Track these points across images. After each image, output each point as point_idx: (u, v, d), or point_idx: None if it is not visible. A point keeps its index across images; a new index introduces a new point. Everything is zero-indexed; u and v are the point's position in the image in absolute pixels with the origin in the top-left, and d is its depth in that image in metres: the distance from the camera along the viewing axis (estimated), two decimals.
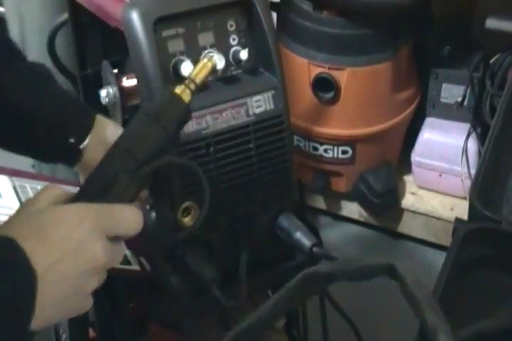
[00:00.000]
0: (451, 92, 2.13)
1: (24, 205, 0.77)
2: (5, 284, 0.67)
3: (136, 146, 0.80)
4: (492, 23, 1.97)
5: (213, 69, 0.90)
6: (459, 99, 2.12)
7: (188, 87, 0.86)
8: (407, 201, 2.24)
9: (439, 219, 2.19)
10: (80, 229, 0.73)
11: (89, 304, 0.75)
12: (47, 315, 0.71)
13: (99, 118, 1.12)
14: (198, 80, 0.87)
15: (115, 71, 1.33)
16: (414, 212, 2.23)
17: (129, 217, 0.77)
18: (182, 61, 1.15)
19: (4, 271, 0.68)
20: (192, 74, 0.88)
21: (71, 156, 1.07)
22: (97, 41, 1.45)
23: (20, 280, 0.68)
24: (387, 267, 0.84)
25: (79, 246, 0.72)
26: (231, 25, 1.21)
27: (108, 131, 1.09)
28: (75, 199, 0.78)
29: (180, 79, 1.16)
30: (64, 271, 0.71)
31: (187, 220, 1.21)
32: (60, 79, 1.95)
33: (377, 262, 0.85)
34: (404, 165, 2.27)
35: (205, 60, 0.90)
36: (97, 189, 0.78)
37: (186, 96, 0.87)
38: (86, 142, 1.07)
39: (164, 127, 0.83)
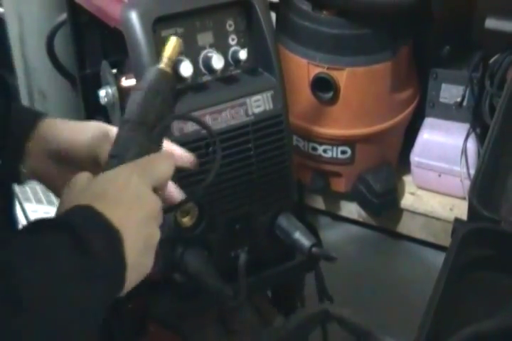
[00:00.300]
0: (451, 92, 2.13)
1: (67, 191, 0.78)
2: (102, 250, 0.69)
3: (144, 116, 0.84)
4: (491, 23, 1.97)
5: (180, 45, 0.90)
6: (459, 99, 2.12)
7: (167, 64, 0.87)
8: (407, 201, 2.24)
9: (438, 219, 2.19)
10: (131, 181, 0.77)
11: (152, 262, 0.78)
12: (130, 276, 0.73)
13: (47, 121, 1.01)
14: (174, 57, 0.88)
15: (114, 71, 1.33)
16: (413, 212, 2.23)
17: (163, 164, 0.82)
18: (181, 61, 1.15)
19: (98, 237, 0.70)
20: (167, 54, 0.88)
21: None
22: (96, 41, 1.45)
23: (111, 243, 0.71)
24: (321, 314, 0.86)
25: (138, 195, 0.76)
26: (230, 25, 1.21)
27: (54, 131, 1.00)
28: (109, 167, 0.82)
29: (179, 79, 1.16)
30: (135, 221, 0.75)
31: (186, 220, 1.22)
32: (59, 79, 1.96)
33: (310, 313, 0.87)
34: (404, 165, 2.27)
35: (173, 38, 0.89)
36: (123, 156, 0.82)
37: (170, 70, 0.87)
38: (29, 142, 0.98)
39: (164, 98, 0.85)
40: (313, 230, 1.26)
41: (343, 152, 2.12)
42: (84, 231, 0.69)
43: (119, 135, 0.84)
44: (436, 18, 2.13)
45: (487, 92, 2.04)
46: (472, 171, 2.03)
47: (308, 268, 1.36)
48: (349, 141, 2.10)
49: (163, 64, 0.86)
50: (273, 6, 2.00)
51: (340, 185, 2.23)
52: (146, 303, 1.41)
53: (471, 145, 2.10)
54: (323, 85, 2.01)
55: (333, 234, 2.30)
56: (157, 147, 0.85)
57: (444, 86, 2.13)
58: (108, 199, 0.75)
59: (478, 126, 2.10)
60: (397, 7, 1.93)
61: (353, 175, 2.19)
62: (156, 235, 0.78)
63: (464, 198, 2.08)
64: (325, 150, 2.12)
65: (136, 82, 1.16)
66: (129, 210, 0.75)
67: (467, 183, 1.99)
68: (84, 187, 0.77)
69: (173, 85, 0.88)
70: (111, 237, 0.71)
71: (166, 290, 1.26)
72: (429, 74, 2.13)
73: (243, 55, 1.20)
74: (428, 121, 2.20)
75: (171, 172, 0.82)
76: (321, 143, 2.11)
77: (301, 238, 1.22)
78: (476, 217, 1.20)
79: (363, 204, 2.24)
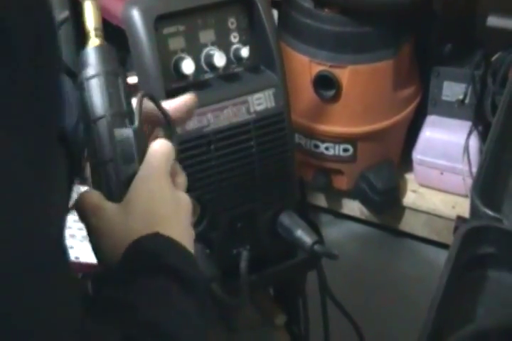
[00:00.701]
0: (453, 90, 2.13)
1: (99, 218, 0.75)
2: (199, 282, 0.72)
3: (118, 105, 0.78)
4: (494, 21, 1.97)
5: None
6: (461, 97, 2.12)
7: (99, 35, 0.82)
8: (409, 199, 2.24)
9: (440, 217, 2.19)
10: (165, 190, 0.76)
11: None
12: None
13: None
14: (99, 25, 0.83)
15: None
16: (415, 210, 2.23)
17: (168, 153, 0.79)
18: (183, 59, 1.15)
19: (191, 270, 0.72)
20: (92, 24, 0.83)
21: None
22: None
23: (197, 269, 0.73)
24: None
25: (177, 203, 0.76)
26: (232, 23, 1.21)
27: None
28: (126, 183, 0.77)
29: (181, 77, 1.16)
30: (186, 230, 0.77)
31: None
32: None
33: None
34: (406, 163, 2.27)
35: (88, 3, 0.84)
36: (131, 159, 0.77)
37: (103, 41, 0.82)
38: None
39: (118, 73, 0.80)
40: (315, 228, 1.26)
41: (345, 150, 2.12)
42: (185, 273, 0.71)
43: (97, 135, 0.77)
44: (439, 16, 2.13)
45: (489, 90, 2.04)
46: (474, 169, 2.03)
47: (310, 266, 1.36)
48: (351, 139, 2.10)
49: (95, 37, 0.81)
50: (275, 4, 2.00)
51: (342, 182, 2.23)
52: None
53: (473, 143, 2.10)
54: (325, 83, 2.01)
55: (335, 232, 2.30)
56: (144, 133, 0.79)
57: (446, 84, 2.13)
58: (162, 220, 0.74)
59: (481, 124, 2.10)
60: (399, 5, 1.93)
61: (355, 173, 2.19)
62: (193, 234, 0.80)
63: (466, 196, 2.08)
64: (327, 148, 2.12)
65: (138, 80, 1.16)
66: (179, 223, 0.76)
67: (469, 181, 1.99)
68: (125, 211, 0.74)
69: (116, 56, 0.82)
70: (195, 264, 0.74)
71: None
72: (431, 72, 2.13)
73: (245, 52, 1.20)
74: (430, 118, 2.20)
75: (174, 153, 0.80)
76: (323, 141, 2.11)
77: (303, 236, 1.22)
78: (478, 215, 1.20)
79: (365, 201, 2.24)
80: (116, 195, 0.76)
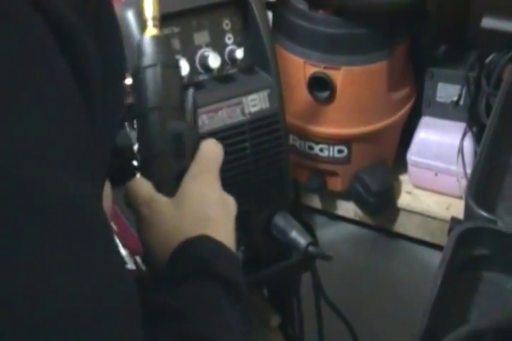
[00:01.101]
0: (447, 92, 2.13)
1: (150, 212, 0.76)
2: (244, 290, 0.71)
3: (173, 98, 0.77)
4: (488, 23, 1.97)
5: None
6: (455, 99, 2.12)
7: (156, 25, 0.83)
8: (403, 200, 2.24)
9: (434, 218, 2.19)
10: (216, 191, 0.77)
11: None
12: None
13: None
14: (158, 15, 0.83)
15: None
16: (410, 211, 2.23)
17: (220, 153, 0.82)
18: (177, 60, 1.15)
19: (237, 275, 0.72)
20: (150, 14, 0.83)
21: None
22: None
23: (241, 275, 0.73)
24: None
25: (224, 205, 0.78)
26: (226, 24, 1.21)
27: None
28: (173, 177, 0.77)
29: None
30: (231, 232, 0.77)
31: None
32: None
33: None
34: (400, 164, 2.27)
35: None
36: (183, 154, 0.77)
37: (161, 32, 0.83)
38: None
39: (175, 65, 0.80)
40: (309, 229, 1.26)
41: (340, 151, 2.12)
42: (232, 280, 0.70)
43: (150, 126, 0.76)
44: (433, 18, 2.13)
45: (483, 91, 2.05)
46: (469, 170, 2.03)
47: (304, 267, 1.36)
48: (345, 140, 2.10)
49: (153, 26, 0.81)
50: (269, 5, 2.00)
51: (336, 184, 2.23)
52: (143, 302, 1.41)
53: (468, 144, 2.10)
54: (319, 84, 2.01)
55: (329, 233, 2.31)
56: (195, 130, 0.79)
57: (440, 85, 2.13)
58: (211, 221, 0.75)
59: (475, 125, 2.10)
60: (393, 6, 1.93)
61: (349, 174, 2.19)
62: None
63: (461, 197, 2.09)
64: (321, 150, 2.13)
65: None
66: (226, 227, 0.77)
67: (464, 182, 1.99)
68: (176, 207, 0.75)
69: (172, 47, 0.82)
70: (241, 269, 0.74)
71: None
72: (426, 74, 2.13)
73: (240, 54, 1.20)
74: (424, 120, 2.20)
75: (222, 155, 0.81)
76: (317, 142, 2.12)
77: (298, 237, 1.22)
78: (473, 216, 1.20)
79: (360, 203, 2.24)
80: (165, 188, 0.76)
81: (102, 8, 0.58)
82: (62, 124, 0.49)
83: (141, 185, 0.76)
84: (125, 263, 0.58)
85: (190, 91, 0.80)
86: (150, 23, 0.82)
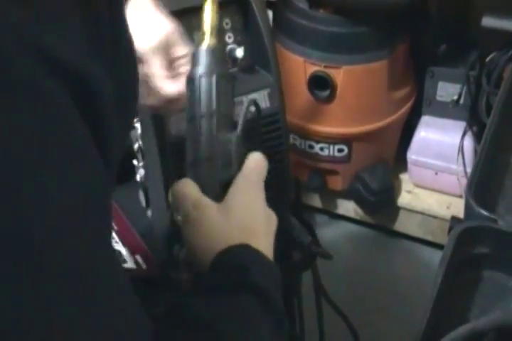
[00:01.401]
0: (447, 90, 2.13)
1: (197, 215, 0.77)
2: (279, 302, 0.73)
3: (227, 108, 0.79)
4: (488, 22, 1.97)
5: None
6: (455, 98, 2.12)
7: (213, 36, 0.83)
8: (403, 199, 2.24)
9: (435, 217, 2.19)
10: (261, 203, 0.78)
11: None
12: None
13: None
14: (216, 25, 0.83)
15: None
16: (410, 210, 2.23)
17: (265, 167, 0.81)
18: None
19: (274, 288, 0.73)
20: (209, 24, 0.83)
21: None
22: None
23: (278, 287, 0.74)
24: None
25: (267, 216, 0.79)
26: (227, 24, 1.21)
27: None
28: (220, 190, 0.78)
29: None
30: (272, 243, 0.78)
31: None
32: None
33: None
34: (401, 163, 2.27)
35: (209, 3, 0.84)
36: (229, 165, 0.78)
37: (218, 43, 0.83)
38: None
39: (231, 76, 0.81)
40: (310, 228, 1.26)
41: (340, 150, 2.12)
42: (269, 292, 0.71)
43: (202, 131, 0.77)
44: (433, 17, 2.13)
45: (484, 90, 2.05)
46: (469, 169, 2.03)
47: (305, 267, 1.36)
48: (346, 139, 2.10)
49: (211, 36, 0.81)
50: (270, 4, 2.00)
51: (337, 183, 2.23)
52: (143, 301, 1.41)
53: (468, 143, 2.10)
54: (320, 83, 2.01)
55: (330, 232, 2.31)
56: (244, 142, 0.79)
57: (440, 84, 2.13)
58: (255, 232, 0.76)
59: (475, 124, 2.10)
60: (393, 5, 1.93)
61: (349, 173, 2.19)
62: None
63: (461, 196, 2.09)
64: (322, 149, 2.12)
65: None
66: (267, 240, 0.78)
67: (464, 181, 1.99)
68: (223, 214, 0.76)
69: (227, 59, 0.83)
70: (279, 282, 0.75)
71: (163, 289, 1.26)
72: (426, 73, 2.13)
73: (240, 53, 1.20)
74: (425, 119, 2.20)
75: (267, 168, 0.81)
76: (317, 142, 2.11)
77: (298, 236, 1.22)
78: (473, 215, 1.20)
79: (360, 202, 2.24)
80: (211, 193, 0.77)
81: (117, 37, 0.58)
82: (81, 181, 0.51)
83: (190, 187, 0.77)
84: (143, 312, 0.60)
85: (245, 105, 0.82)
86: (208, 32, 0.82)
